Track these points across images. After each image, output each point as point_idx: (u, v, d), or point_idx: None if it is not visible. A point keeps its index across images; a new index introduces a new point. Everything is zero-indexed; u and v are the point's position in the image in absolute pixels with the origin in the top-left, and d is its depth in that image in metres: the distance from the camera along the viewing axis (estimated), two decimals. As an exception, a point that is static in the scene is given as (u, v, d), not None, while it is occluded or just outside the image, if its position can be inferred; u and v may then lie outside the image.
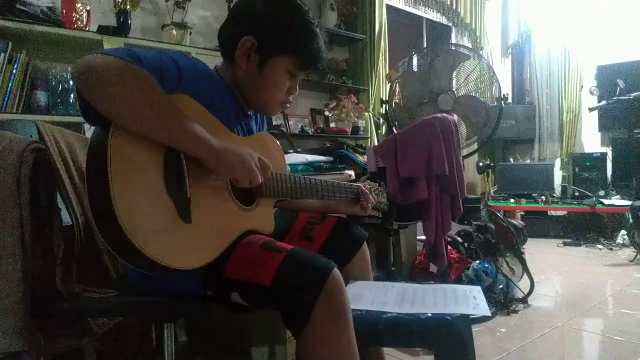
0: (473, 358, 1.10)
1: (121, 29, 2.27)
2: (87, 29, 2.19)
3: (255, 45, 1.07)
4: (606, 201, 4.16)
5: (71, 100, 2.12)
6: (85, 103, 0.81)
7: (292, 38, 1.09)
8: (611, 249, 3.98)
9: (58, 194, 1.14)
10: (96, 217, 0.79)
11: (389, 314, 1.04)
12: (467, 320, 1.05)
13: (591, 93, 4.40)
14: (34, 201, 0.96)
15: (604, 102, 4.23)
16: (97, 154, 0.78)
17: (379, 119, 3.70)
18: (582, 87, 4.97)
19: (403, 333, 1.01)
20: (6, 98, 1.91)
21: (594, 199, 4.21)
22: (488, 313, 0.99)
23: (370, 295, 1.16)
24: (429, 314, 1.02)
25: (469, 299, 1.10)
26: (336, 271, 0.90)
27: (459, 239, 2.67)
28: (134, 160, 0.82)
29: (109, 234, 0.79)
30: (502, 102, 2.70)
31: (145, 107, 0.82)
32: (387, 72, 3.68)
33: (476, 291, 1.16)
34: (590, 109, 4.37)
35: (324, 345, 0.87)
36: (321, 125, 3.48)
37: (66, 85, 2.12)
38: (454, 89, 2.66)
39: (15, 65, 1.94)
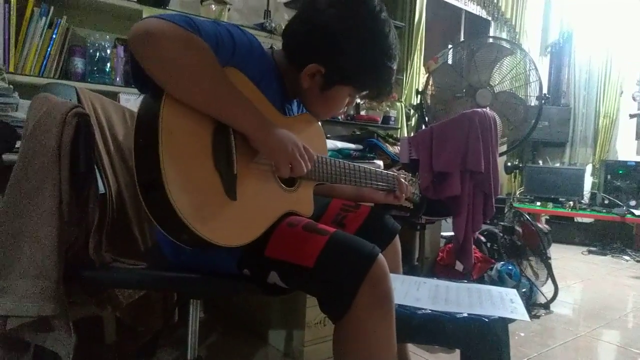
0: (505, 362, 1.07)
1: (161, 0, 2.25)
2: (127, -2, 2.17)
3: (321, 72, 1.02)
4: (637, 211, 4.03)
5: (107, 69, 2.12)
6: (138, 68, 0.79)
7: (363, 74, 1.03)
8: (638, 261, 3.88)
9: (94, 161, 1.13)
10: (143, 188, 0.77)
11: (423, 311, 1.01)
12: (505, 324, 1.01)
13: (633, 99, 4.25)
14: (73, 167, 0.95)
15: (645, 109, 4.09)
16: (148, 123, 0.76)
17: (410, 109, 3.63)
18: (622, 92, 4.80)
19: (437, 331, 0.98)
20: (45, 62, 1.91)
21: (625, 208, 4.08)
22: (527, 318, 0.95)
23: (401, 289, 1.13)
24: (466, 314, 0.99)
25: (505, 302, 1.06)
26: (381, 257, 0.88)
27: (482, 238, 2.61)
28: (184, 132, 0.80)
29: (154, 207, 0.77)
30: (543, 101, 2.61)
31: (202, 79, 0.80)
32: (423, 62, 3.59)
33: (512, 294, 1.12)
34: (632, 115, 4.22)
35: (364, 332, 0.85)
36: (352, 113, 3.43)
37: (103, 54, 2.11)
38: (492, 84, 2.58)
39: (56, 30, 1.93)
